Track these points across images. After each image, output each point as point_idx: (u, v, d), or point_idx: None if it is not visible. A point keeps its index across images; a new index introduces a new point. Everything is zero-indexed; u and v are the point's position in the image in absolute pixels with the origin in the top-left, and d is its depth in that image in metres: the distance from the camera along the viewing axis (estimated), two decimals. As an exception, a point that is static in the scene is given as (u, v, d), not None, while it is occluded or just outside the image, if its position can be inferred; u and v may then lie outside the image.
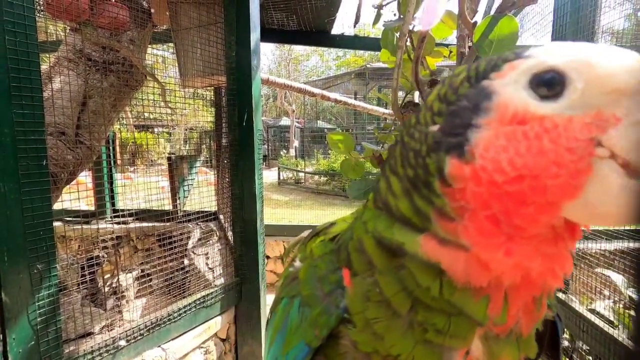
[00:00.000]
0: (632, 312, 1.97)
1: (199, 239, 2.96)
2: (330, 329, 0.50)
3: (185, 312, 2.24)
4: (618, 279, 2.04)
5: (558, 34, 2.08)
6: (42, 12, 1.96)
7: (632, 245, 2.16)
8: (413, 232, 0.44)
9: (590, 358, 1.89)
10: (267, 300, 2.89)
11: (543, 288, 0.42)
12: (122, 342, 1.86)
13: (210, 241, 2.97)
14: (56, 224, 1.60)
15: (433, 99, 0.46)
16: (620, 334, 1.66)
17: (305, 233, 0.72)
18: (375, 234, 0.48)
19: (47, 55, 2.20)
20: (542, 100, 0.37)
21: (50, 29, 2.24)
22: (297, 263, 0.64)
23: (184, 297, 2.35)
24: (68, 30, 2.11)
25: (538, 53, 0.38)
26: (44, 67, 2.03)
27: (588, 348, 1.86)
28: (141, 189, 2.55)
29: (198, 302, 2.34)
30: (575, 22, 1.98)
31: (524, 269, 0.39)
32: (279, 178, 14.00)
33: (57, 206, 1.88)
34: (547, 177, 0.35)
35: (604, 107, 0.35)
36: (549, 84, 0.37)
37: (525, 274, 0.39)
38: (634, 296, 2.00)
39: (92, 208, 3.24)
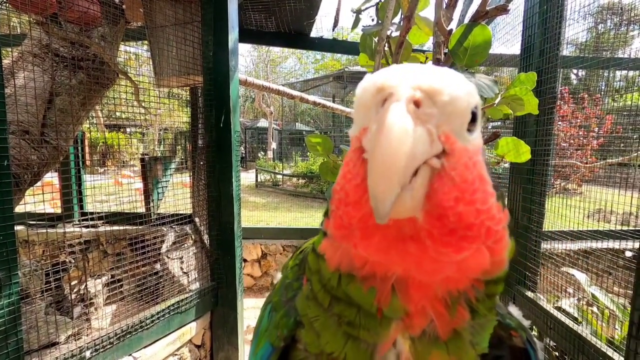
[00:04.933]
0: (595, 309, 2.08)
1: (174, 243, 2.87)
2: (290, 329, 0.55)
3: (158, 318, 2.16)
4: (582, 277, 2.15)
5: (527, 44, 2.18)
6: (4, 4, 1.85)
7: (594, 245, 2.28)
8: (322, 235, 0.51)
9: (557, 354, 1.97)
10: (244, 304, 2.84)
11: (428, 287, 0.43)
12: (90, 352, 1.77)
13: (185, 245, 2.90)
14: (18, 227, 1.51)
15: None
16: (584, 330, 1.74)
17: None
18: (314, 242, 0.55)
19: (10, 50, 2.08)
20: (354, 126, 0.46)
21: (14, 20, 2.12)
22: (279, 275, 0.72)
23: (157, 303, 2.27)
24: (34, 24, 2.01)
25: None
26: (6, 61, 1.91)
27: (555, 344, 1.95)
28: (112, 191, 2.45)
29: (172, 307, 2.27)
30: (542, 33, 2.08)
31: (382, 263, 0.43)
32: (256, 180, 13.85)
33: (19, 209, 1.78)
34: (346, 181, 0.43)
35: (364, 122, 0.42)
36: None
37: (394, 270, 0.43)
38: (597, 294, 2.12)
39: (59, 211, 3.08)
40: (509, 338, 0.57)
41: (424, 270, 0.41)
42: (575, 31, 2.14)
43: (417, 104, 0.38)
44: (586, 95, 4.36)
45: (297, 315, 0.55)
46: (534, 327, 2.05)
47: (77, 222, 3.22)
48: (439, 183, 0.38)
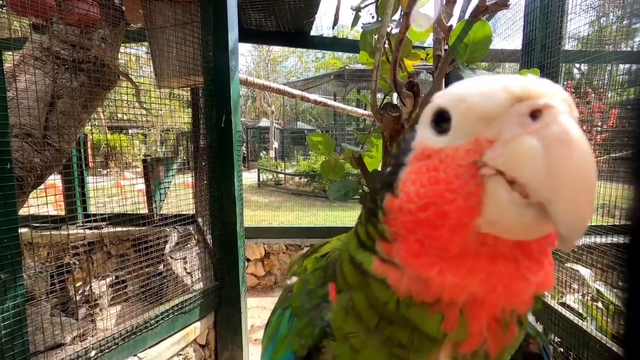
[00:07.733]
0: (600, 305, 2.07)
1: (177, 243, 2.88)
2: (315, 339, 0.53)
3: (162, 318, 2.17)
4: (586, 273, 2.14)
5: (528, 39, 2.16)
6: (4, 8, 1.86)
7: (598, 240, 2.27)
8: (369, 253, 0.49)
9: (562, 350, 1.97)
10: (248, 304, 2.85)
11: (498, 307, 0.42)
12: (95, 352, 1.79)
13: (188, 245, 2.91)
14: (23, 230, 1.52)
15: (395, 146, 0.52)
16: (589, 326, 1.74)
17: (306, 249, 0.77)
18: (349, 253, 0.53)
19: (11, 53, 2.09)
20: (438, 135, 0.43)
21: (15, 25, 2.12)
22: (294, 278, 0.69)
23: (161, 304, 2.28)
24: (30, 26, 2.01)
25: (438, 95, 0.44)
26: (7, 65, 1.92)
27: (560, 340, 1.94)
28: (115, 192, 2.46)
29: (176, 308, 2.28)
30: (543, 28, 2.06)
31: (464, 287, 0.40)
32: (258, 180, 13.86)
33: (23, 211, 1.79)
34: (444, 202, 0.39)
35: (478, 133, 0.39)
36: (441, 120, 0.42)
37: (472, 293, 0.41)
38: (602, 289, 2.11)
39: (62, 213, 3.10)
40: (526, 345, 0.58)
41: (512, 291, 0.41)
42: (577, 25, 2.12)
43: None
44: (590, 90, 4.33)
45: (323, 326, 0.53)
46: (541, 325, 2.05)
47: (81, 224, 3.23)
48: None
